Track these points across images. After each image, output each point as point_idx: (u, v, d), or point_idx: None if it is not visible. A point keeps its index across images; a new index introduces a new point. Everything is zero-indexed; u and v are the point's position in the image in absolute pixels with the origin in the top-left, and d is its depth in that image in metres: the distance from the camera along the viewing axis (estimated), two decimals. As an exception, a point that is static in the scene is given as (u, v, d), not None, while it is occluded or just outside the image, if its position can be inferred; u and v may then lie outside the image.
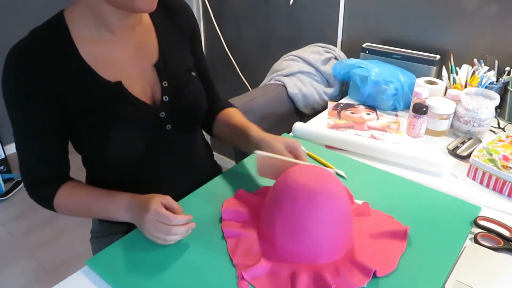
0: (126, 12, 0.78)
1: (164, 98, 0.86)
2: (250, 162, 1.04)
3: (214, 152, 1.14)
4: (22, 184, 2.44)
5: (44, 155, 0.83)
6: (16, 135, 0.82)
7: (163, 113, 0.86)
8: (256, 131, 0.90)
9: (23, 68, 0.75)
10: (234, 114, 1.01)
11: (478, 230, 0.81)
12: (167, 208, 0.75)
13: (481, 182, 0.96)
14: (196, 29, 0.97)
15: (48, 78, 0.76)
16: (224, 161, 2.45)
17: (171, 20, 0.91)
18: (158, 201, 0.75)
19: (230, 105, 1.07)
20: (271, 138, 0.86)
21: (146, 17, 0.87)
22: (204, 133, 1.08)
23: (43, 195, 0.86)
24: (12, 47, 0.76)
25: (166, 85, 0.86)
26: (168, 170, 0.93)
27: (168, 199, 0.77)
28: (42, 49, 0.76)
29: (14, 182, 2.45)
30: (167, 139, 0.89)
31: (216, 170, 1.10)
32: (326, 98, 1.49)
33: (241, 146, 0.95)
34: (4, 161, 2.53)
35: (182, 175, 0.95)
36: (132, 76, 0.84)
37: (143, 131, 0.85)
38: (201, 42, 1.00)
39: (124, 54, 0.83)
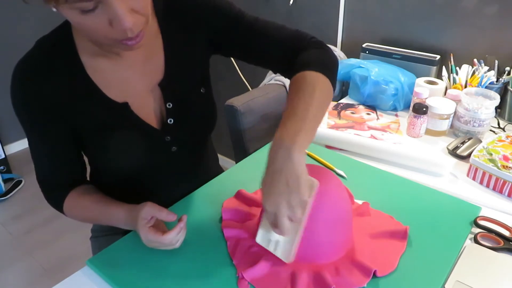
0: None
1: (169, 121, 0.82)
2: (250, 162, 1.04)
3: (214, 152, 1.14)
4: (22, 184, 2.44)
5: (56, 166, 0.83)
6: (29, 146, 0.81)
7: (168, 137, 0.83)
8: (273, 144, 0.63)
9: (28, 85, 0.73)
10: (292, 91, 0.70)
11: (478, 230, 0.81)
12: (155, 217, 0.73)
13: (481, 182, 0.96)
14: (214, 9, 0.81)
15: (53, 96, 0.74)
16: (224, 161, 2.45)
17: (180, 19, 0.81)
18: (143, 226, 0.71)
19: (304, 68, 0.72)
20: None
21: (153, 24, 0.79)
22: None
23: (55, 200, 0.85)
24: (18, 62, 0.73)
25: (171, 106, 0.81)
26: (172, 182, 0.93)
27: (152, 213, 0.71)
28: (47, 66, 0.73)
29: (14, 182, 2.45)
30: (172, 159, 0.88)
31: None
32: (326, 98, 1.49)
33: None
34: (4, 161, 2.52)
35: (186, 185, 0.94)
36: (139, 96, 0.80)
37: (148, 152, 0.83)
38: (229, 13, 0.82)
39: (130, 72, 0.78)
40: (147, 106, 0.81)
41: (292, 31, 0.83)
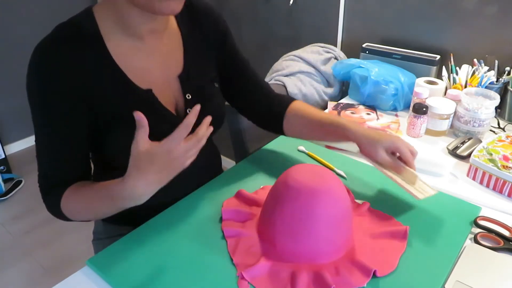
0: (149, 15, 0.74)
1: (187, 111, 0.84)
2: (250, 162, 1.04)
3: (214, 152, 1.14)
4: (22, 184, 2.44)
5: (62, 159, 0.78)
6: (36, 138, 0.77)
7: None
8: (353, 128, 0.88)
9: (48, 70, 0.70)
10: (307, 109, 0.97)
11: (478, 230, 0.81)
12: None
13: (481, 182, 0.96)
14: (226, 32, 0.94)
15: (76, 81, 0.72)
16: (224, 161, 2.45)
17: (197, 26, 0.88)
18: (137, 146, 0.65)
19: (292, 99, 1.01)
20: (372, 140, 0.85)
21: (172, 23, 0.85)
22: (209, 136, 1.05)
23: (53, 199, 0.81)
24: (37, 45, 0.71)
25: (190, 97, 0.85)
26: (178, 176, 0.92)
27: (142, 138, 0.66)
28: (70, 48, 0.71)
29: (14, 182, 2.45)
30: None
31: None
32: (326, 98, 1.49)
33: (326, 140, 1.03)
34: (4, 161, 2.53)
35: (190, 181, 0.94)
36: (159, 85, 0.81)
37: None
38: (233, 42, 0.97)
39: (152, 61, 0.81)
40: (167, 96, 0.83)
41: (276, 94, 1.02)
